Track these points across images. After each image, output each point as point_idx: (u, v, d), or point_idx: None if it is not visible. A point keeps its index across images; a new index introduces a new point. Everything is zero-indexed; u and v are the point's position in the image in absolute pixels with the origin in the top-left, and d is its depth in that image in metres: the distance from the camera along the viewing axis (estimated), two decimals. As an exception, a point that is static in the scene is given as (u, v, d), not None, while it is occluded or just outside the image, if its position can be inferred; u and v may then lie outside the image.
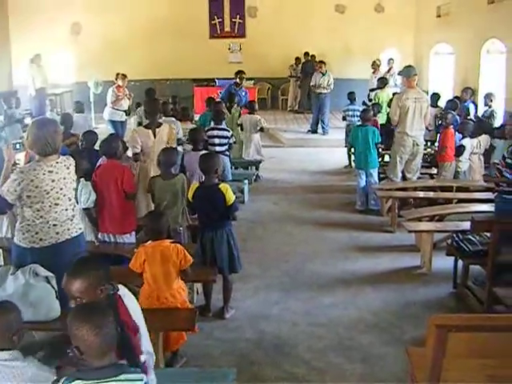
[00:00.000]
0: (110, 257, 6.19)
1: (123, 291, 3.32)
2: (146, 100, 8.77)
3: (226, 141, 9.10)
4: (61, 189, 4.61)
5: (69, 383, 2.63)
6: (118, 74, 13.21)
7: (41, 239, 4.57)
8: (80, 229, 4.89)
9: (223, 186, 5.64)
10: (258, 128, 11.26)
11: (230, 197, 5.59)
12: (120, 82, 12.98)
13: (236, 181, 9.63)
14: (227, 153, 9.28)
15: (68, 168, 4.72)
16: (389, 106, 10.43)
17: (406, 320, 5.67)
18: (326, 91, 15.66)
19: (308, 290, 6.44)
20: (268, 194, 10.50)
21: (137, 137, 7.33)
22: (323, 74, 15.69)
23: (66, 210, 4.70)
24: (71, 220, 4.75)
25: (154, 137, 7.33)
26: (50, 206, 4.56)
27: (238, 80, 13.03)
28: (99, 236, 6.28)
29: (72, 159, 4.84)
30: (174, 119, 8.99)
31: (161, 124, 7.51)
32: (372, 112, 10.16)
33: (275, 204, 9.90)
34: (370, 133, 9.16)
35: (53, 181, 4.54)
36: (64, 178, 4.64)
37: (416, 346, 4.44)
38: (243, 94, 12.84)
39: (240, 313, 5.90)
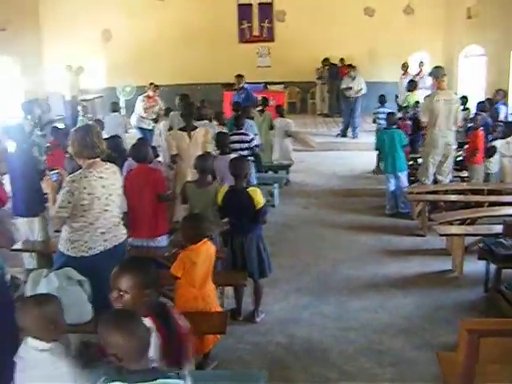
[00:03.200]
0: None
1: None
2: (181, 104, 8.83)
3: (246, 145, 9.09)
4: (110, 195, 4.66)
5: (108, 383, 2.68)
6: (150, 84, 13.38)
7: (90, 248, 4.61)
8: (124, 234, 4.95)
9: (252, 190, 5.66)
10: (285, 132, 11.28)
11: (259, 200, 5.62)
12: (150, 93, 13.15)
13: (266, 184, 9.66)
14: (249, 157, 9.31)
15: (115, 174, 4.79)
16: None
17: (437, 324, 5.64)
18: (356, 95, 15.64)
19: (338, 294, 6.44)
20: (298, 197, 10.51)
21: (171, 140, 7.43)
22: (353, 78, 15.68)
23: (114, 216, 4.76)
24: (117, 226, 4.81)
25: (190, 139, 7.42)
26: (99, 213, 4.59)
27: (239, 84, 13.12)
28: (130, 240, 6.35)
29: (116, 166, 4.90)
30: (207, 122, 9.04)
31: (196, 127, 7.60)
32: (398, 115, 10.10)
33: (305, 208, 9.90)
34: (396, 136, 9.12)
35: (103, 187, 4.59)
36: (113, 184, 4.71)
37: (447, 351, 4.42)
38: (242, 96, 12.83)
39: (270, 317, 5.92)
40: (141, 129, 13.06)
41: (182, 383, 2.73)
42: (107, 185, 4.63)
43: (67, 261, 4.64)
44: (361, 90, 15.60)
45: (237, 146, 8.97)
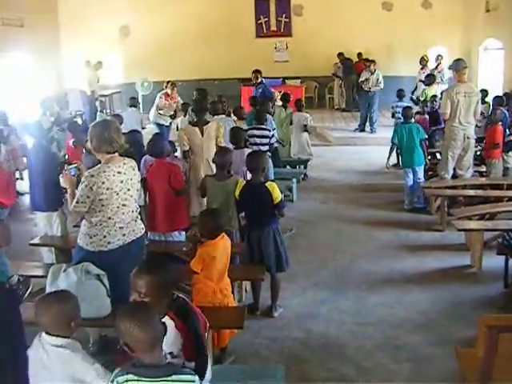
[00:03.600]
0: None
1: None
2: (194, 99, 8.85)
3: (267, 140, 9.10)
4: (128, 190, 4.68)
5: (121, 375, 2.73)
6: (168, 82, 13.43)
7: (109, 242, 4.64)
8: (143, 229, 4.97)
9: (270, 185, 5.67)
10: (303, 126, 11.27)
11: (277, 195, 5.62)
12: (169, 91, 13.19)
13: (284, 179, 9.65)
14: (269, 153, 9.32)
15: (133, 169, 4.81)
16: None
17: (455, 320, 5.61)
18: (374, 89, 15.58)
19: (356, 289, 6.43)
20: (316, 192, 10.49)
21: (183, 135, 7.45)
22: (372, 73, 15.63)
23: (132, 211, 4.78)
24: (135, 221, 4.83)
25: (202, 135, 7.43)
26: (117, 207, 4.62)
27: (256, 79, 13.18)
28: (148, 235, 6.38)
29: (134, 161, 4.92)
30: (224, 116, 9.03)
31: (208, 122, 7.61)
32: (414, 110, 10.04)
33: (323, 203, 9.89)
34: (414, 130, 9.07)
35: (121, 182, 4.62)
36: (131, 179, 4.72)
37: (465, 347, 4.40)
38: (259, 91, 12.87)
39: (288, 311, 5.92)
40: (158, 124, 13.15)
41: (196, 379, 2.75)
42: (125, 180, 4.65)
43: (86, 255, 4.67)
44: (380, 83, 15.52)
45: (257, 140, 8.97)
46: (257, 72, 13.22)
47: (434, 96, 12.24)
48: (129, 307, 2.92)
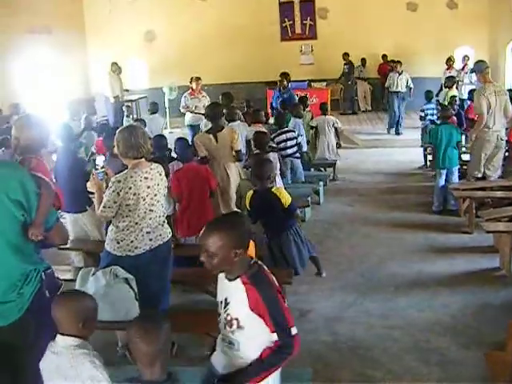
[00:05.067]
0: (192, 259, 6.33)
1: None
2: (208, 105, 8.82)
3: (294, 142, 9.13)
4: (155, 195, 4.72)
5: None
6: (191, 78, 13.41)
7: (136, 247, 4.68)
8: (170, 233, 5.00)
9: (276, 189, 5.70)
10: (334, 128, 11.29)
11: (285, 198, 5.63)
12: (194, 85, 13.15)
13: (310, 183, 9.65)
14: (297, 154, 9.32)
15: (160, 174, 4.84)
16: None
17: (485, 323, 5.55)
18: (403, 91, 15.52)
19: (383, 292, 6.40)
20: (343, 195, 10.46)
21: (199, 143, 7.46)
22: (399, 73, 15.57)
23: (159, 216, 4.81)
24: (162, 225, 4.86)
25: (216, 141, 7.44)
26: (144, 213, 4.66)
27: (282, 82, 13.02)
28: (183, 240, 6.43)
29: (161, 166, 4.96)
30: (238, 123, 9.01)
31: (222, 128, 7.63)
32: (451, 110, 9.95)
33: (350, 205, 9.85)
34: (453, 131, 9.02)
35: (148, 187, 4.65)
36: (158, 185, 4.76)
37: (495, 350, 4.36)
38: (285, 96, 12.73)
39: (315, 314, 5.92)
40: (192, 126, 12.85)
41: None
42: (152, 185, 4.69)
43: (113, 260, 4.72)
44: (409, 85, 15.48)
45: (288, 143, 9.02)
46: (285, 75, 13.07)
47: (453, 96, 12.14)
48: (141, 316, 2.95)
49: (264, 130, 8.72)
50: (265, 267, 3.11)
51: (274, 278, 3.09)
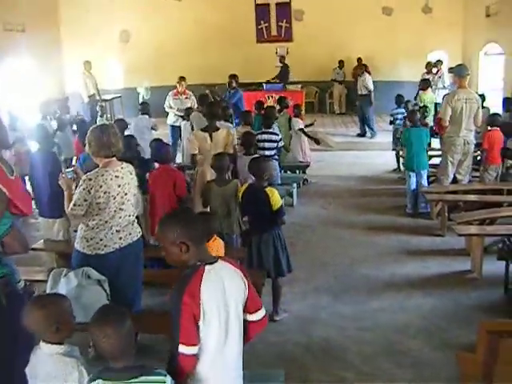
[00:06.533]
0: (158, 260, 6.31)
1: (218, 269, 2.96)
2: (206, 104, 8.79)
3: (274, 145, 9.14)
4: (125, 194, 4.71)
5: (90, 382, 2.77)
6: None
7: (105, 245, 4.66)
8: (139, 232, 4.99)
9: (269, 190, 5.67)
10: (296, 129, 11.28)
11: (276, 201, 5.62)
12: (178, 87, 13.03)
13: (284, 184, 9.67)
14: (276, 157, 9.33)
15: (131, 173, 4.84)
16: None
17: (456, 325, 5.61)
18: (363, 93, 15.60)
19: (356, 294, 6.43)
20: (316, 197, 10.50)
21: (194, 139, 7.47)
22: (359, 76, 15.73)
23: (129, 215, 4.81)
24: (132, 224, 4.86)
25: (211, 140, 7.44)
26: (114, 211, 4.65)
27: (231, 84, 13.29)
28: (151, 241, 6.40)
29: (132, 166, 4.95)
30: (230, 125, 9.00)
31: (218, 128, 7.62)
32: (419, 114, 10.06)
33: (324, 208, 9.89)
34: (423, 134, 9.15)
35: (119, 186, 4.64)
36: (128, 184, 4.75)
37: (467, 352, 4.40)
38: (235, 98, 12.99)
39: (288, 316, 5.93)
40: (173, 127, 12.87)
41: (168, 380, 2.74)
42: (123, 184, 4.68)
43: (83, 258, 4.71)
44: (366, 87, 15.54)
45: (266, 144, 9.00)
46: (233, 77, 13.31)
47: (424, 107, 12.25)
48: (103, 312, 2.91)
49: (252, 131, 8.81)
50: (209, 269, 2.86)
51: (204, 287, 2.80)
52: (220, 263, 2.94)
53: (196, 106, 12.23)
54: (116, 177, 4.63)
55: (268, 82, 17.77)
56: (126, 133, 9.33)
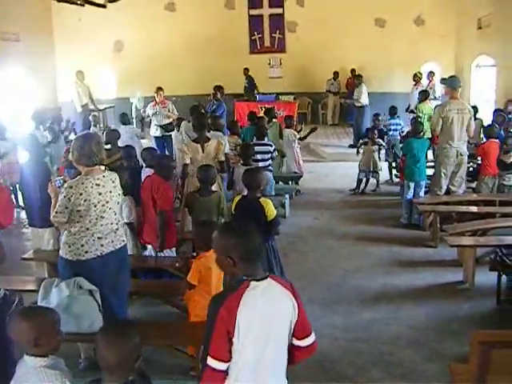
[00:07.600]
0: (151, 271, 6.29)
1: None
2: (194, 114, 8.82)
3: (268, 156, 9.14)
4: (107, 202, 4.71)
5: None
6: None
7: (86, 252, 4.66)
8: (123, 241, 4.99)
9: (264, 200, 5.66)
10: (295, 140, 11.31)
11: (271, 211, 5.60)
12: (156, 97, 13.19)
13: (277, 195, 9.66)
14: (270, 168, 9.33)
15: (113, 182, 4.84)
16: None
17: (449, 336, 5.61)
18: (358, 104, 15.65)
19: (349, 305, 6.42)
20: (309, 208, 10.48)
21: (187, 150, 7.47)
22: (356, 86, 15.77)
23: (111, 223, 4.80)
24: (115, 232, 4.85)
25: (203, 151, 7.45)
26: (96, 219, 4.66)
27: (215, 95, 13.45)
28: (147, 252, 6.40)
29: (116, 174, 4.95)
30: (221, 134, 9.01)
31: (209, 139, 7.63)
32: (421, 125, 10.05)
33: (316, 218, 9.88)
34: (425, 144, 9.16)
35: (100, 194, 4.65)
36: (110, 192, 4.75)
37: (459, 363, 4.39)
38: (214, 107, 13.08)
39: (281, 327, 5.89)
40: (156, 138, 13.05)
41: None
42: (104, 192, 4.69)
43: (65, 264, 4.72)
44: (358, 99, 15.60)
45: (259, 156, 9.00)
46: (218, 88, 13.47)
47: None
48: (112, 326, 2.91)
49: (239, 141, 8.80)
50: (253, 286, 2.81)
51: (236, 307, 2.73)
52: (268, 281, 2.87)
53: (175, 112, 12.84)
54: (97, 185, 4.64)
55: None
56: (119, 143, 9.37)
